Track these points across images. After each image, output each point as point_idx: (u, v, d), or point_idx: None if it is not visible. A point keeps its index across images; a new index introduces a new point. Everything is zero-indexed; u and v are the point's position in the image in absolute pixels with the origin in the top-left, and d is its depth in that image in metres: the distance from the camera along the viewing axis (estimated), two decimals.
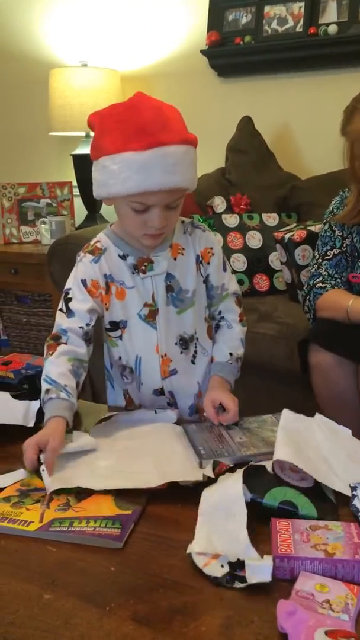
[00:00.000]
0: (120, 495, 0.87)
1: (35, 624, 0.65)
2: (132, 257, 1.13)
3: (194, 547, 0.73)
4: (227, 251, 2.24)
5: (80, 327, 1.09)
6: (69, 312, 1.10)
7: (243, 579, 0.68)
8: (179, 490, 0.87)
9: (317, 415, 1.02)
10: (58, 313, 1.12)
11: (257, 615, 0.65)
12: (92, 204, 2.84)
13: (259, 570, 0.68)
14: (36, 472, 0.93)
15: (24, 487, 0.92)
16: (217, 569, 0.70)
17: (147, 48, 2.82)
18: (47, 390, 1.02)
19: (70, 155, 2.83)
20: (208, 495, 0.83)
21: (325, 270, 1.57)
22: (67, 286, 1.13)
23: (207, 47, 2.59)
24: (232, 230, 2.28)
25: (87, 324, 1.10)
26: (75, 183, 2.86)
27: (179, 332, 1.17)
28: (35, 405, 1.08)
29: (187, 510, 0.84)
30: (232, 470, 0.88)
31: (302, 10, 2.39)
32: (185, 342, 1.18)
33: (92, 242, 1.15)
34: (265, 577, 0.68)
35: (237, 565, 0.70)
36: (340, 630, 0.61)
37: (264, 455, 0.93)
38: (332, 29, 2.33)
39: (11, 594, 0.69)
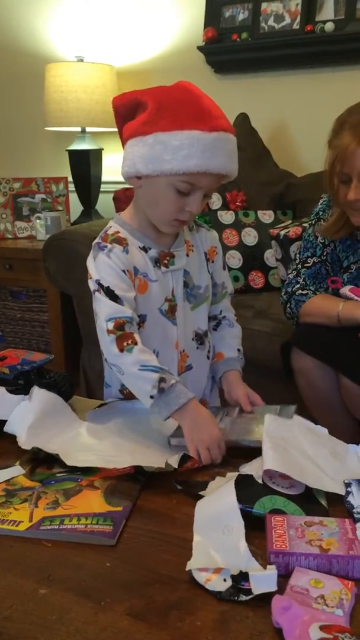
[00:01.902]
0: (109, 491, 0.87)
1: (31, 619, 0.65)
2: (154, 251, 1.13)
3: (193, 564, 0.71)
4: (223, 248, 2.23)
5: (133, 314, 1.07)
6: (118, 300, 1.05)
7: (247, 591, 0.67)
8: (171, 487, 0.88)
9: (296, 417, 1.03)
10: (103, 302, 1.06)
11: (252, 610, 0.65)
12: (88, 200, 2.83)
13: (264, 580, 0.67)
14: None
15: (9, 487, 0.91)
16: (219, 584, 0.68)
17: (143, 43, 2.81)
18: (162, 379, 0.99)
19: (66, 150, 2.82)
20: (202, 507, 0.82)
21: (303, 279, 1.57)
22: (99, 277, 1.07)
23: (203, 43, 2.58)
24: (228, 227, 2.28)
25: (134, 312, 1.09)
26: (70, 179, 2.85)
27: (194, 328, 1.19)
28: None
29: (183, 506, 0.84)
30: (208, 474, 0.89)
31: (299, 7, 2.39)
32: (200, 338, 1.20)
33: (110, 232, 1.12)
34: (271, 586, 0.66)
35: (240, 578, 0.68)
36: (335, 626, 0.61)
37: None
38: (329, 26, 2.33)
39: (6, 589, 0.70)
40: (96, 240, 1.12)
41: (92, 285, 1.09)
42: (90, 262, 1.11)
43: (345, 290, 1.50)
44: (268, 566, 0.69)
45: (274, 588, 0.66)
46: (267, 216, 2.32)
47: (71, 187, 2.86)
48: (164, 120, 1.00)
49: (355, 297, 1.49)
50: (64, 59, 2.93)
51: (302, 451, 0.91)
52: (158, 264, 1.13)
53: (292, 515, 0.78)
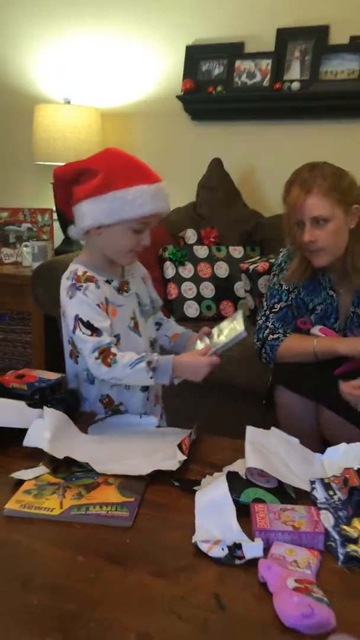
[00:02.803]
0: (122, 486, 1.07)
1: (74, 577, 0.84)
2: (116, 282, 1.41)
3: (197, 537, 0.92)
4: (198, 279, 2.48)
5: (111, 339, 1.31)
6: (98, 331, 1.30)
7: (240, 558, 0.87)
8: (170, 484, 1.08)
9: (273, 429, 1.25)
10: (83, 337, 1.29)
11: (243, 571, 0.86)
12: None
13: (253, 549, 0.88)
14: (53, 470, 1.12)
15: (38, 482, 1.09)
16: (218, 552, 0.88)
17: (127, 88, 3.05)
18: (149, 362, 1.27)
19: (51, 183, 3.00)
20: (200, 496, 1.03)
21: (272, 324, 1.72)
22: (77, 313, 1.30)
23: (182, 93, 2.83)
24: (202, 261, 2.51)
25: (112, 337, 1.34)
26: (55, 209, 3.04)
27: (149, 337, 1.48)
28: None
29: (181, 498, 1.05)
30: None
31: (269, 67, 2.68)
32: (152, 344, 1.49)
33: (80, 274, 1.35)
34: (259, 553, 0.87)
35: (235, 547, 0.89)
36: (305, 579, 0.82)
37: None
38: (295, 85, 2.62)
39: (51, 558, 0.89)
40: (70, 282, 1.34)
41: (70, 321, 1.32)
42: (65, 300, 1.34)
43: (316, 330, 1.67)
44: (255, 539, 0.90)
45: (260, 554, 0.87)
46: (237, 251, 2.56)
47: (54, 216, 3.06)
48: (116, 181, 1.28)
49: (325, 336, 1.65)
50: (52, 99, 3.14)
51: (277, 455, 1.13)
52: (120, 292, 1.41)
53: (270, 503, 1.00)
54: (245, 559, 0.87)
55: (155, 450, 1.21)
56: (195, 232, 2.59)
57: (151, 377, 1.27)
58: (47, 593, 0.81)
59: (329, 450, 1.20)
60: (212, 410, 2.05)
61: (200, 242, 2.57)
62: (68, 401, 1.34)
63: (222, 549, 0.89)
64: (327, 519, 0.97)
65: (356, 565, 0.88)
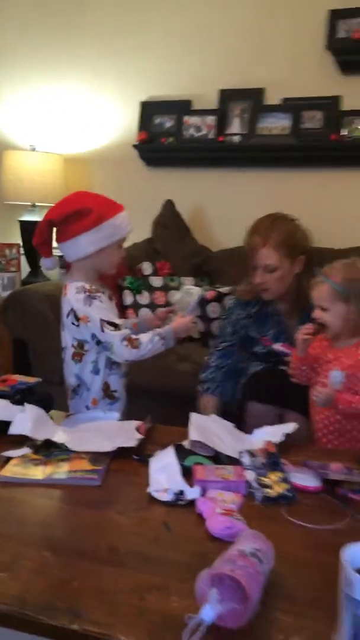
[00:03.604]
0: (92, 459, 1.35)
1: (60, 516, 1.12)
2: (107, 292, 1.76)
3: (151, 488, 1.21)
4: (153, 306, 2.79)
5: (128, 328, 1.73)
6: (119, 326, 1.66)
7: (184, 500, 1.17)
8: (131, 458, 1.38)
9: (212, 415, 1.56)
10: (112, 333, 1.64)
11: (185, 509, 1.15)
12: (34, 262, 3.31)
13: (193, 492, 1.18)
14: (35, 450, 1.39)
15: (23, 459, 1.36)
16: (167, 497, 1.18)
17: (88, 138, 3.39)
18: (160, 336, 1.68)
19: (18, 220, 3.31)
20: (153, 462, 1.33)
21: (214, 361, 2.06)
22: (101, 316, 1.65)
23: (137, 142, 3.20)
24: (158, 290, 2.82)
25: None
26: (21, 244, 3.33)
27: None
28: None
29: (139, 467, 1.34)
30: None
31: (214, 122, 3.07)
32: None
33: (87, 287, 1.67)
34: (197, 495, 1.17)
35: (180, 493, 1.18)
36: (229, 509, 1.12)
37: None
38: (236, 138, 3.01)
39: (41, 505, 1.16)
40: (84, 295, 1.66)
41: (95, 325, 1.65)
42: (85, 309, 1.66)
43: (278, 346, 1.92)
44: (194, 486, 1.20)
45: (198, 496, 1.17)
46: (188, 281, 2.88)
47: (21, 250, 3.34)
48: (105, 213, 1.65)
49: (286, 351, 1.87)
50: (19, 146, 3.45)
51: (215, 433, 1.44)
52: (111, 299, 1.76)
53: (208, 465, 1.30)
54: (186, 500, 1.16)
55: (117, 435, 1.50)
56: (151, 264, 2.91)
57: (162, 345, 1.69)
58: (39, 527, 1.09)
59: (256, 431, 1.51)
60: (170, 418, 2.35)
61: (155, 273, 2.89)
62: (43, 401, 1.61)
63: (170, 495, 1.18)
64: (250, 475, 1.27)
65: (269, 503, 1.18)
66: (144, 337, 1.67)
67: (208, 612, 0.78)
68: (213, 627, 0.79)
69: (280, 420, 1.88)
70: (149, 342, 1.67)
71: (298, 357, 1.73)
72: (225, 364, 2.06)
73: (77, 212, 1.64)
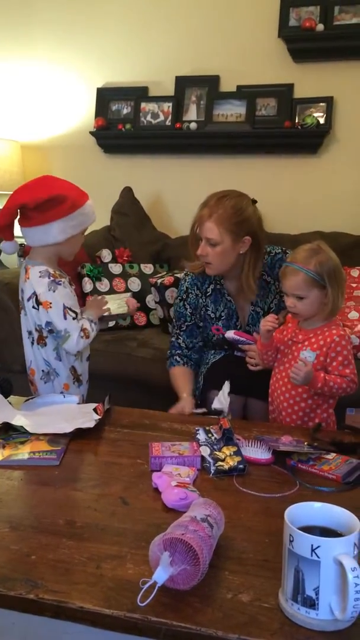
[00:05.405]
0: (51, 440, 1.37)
1: (20, 493, 1.14)
2: (67, 278, 1.77)
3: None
4: (113, 293, 2.80)
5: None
6: (78, 314, 1.70)
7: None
8: (89, 439, 1.40)
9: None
10: (73, 322, 1.68)
11: (141, 483, 1.19)
12: None
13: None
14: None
15: None
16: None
17: (45, 125, 3.37)
18: (94, 321, 1.77)
19: None
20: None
21: (182, 341, 2.03)
22: (64, 302, 1.68)
23: (94, 129, 3.20)
24: (117, 277, 2.84)
25: None
26: None
27: None
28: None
29: (96, 447, 1.37)
30: None
31: (170, 109, 3.09)
32: None
33: (51, 272, 1.69)
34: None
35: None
36: (184, 482, 1.16)
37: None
38: (193, 125, 3.04)
39: (8, 485, 1.18)
40: (48, 279, 1.67)
41: (57, 311, 1.66)
42: (48, 294, 1.67)
43: (230, 334, 1.91)
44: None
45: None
46: (147, 268, 2.91)
47: None
48: (77, 201, 1.66)
49: (241, 339, 1.88)
50: None
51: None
52: (71, 284, 1.76)
53: (165, 442, 1.34)
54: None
55: (76, 417, 1.52)
56: (110, 251, 2.92)
57: (95, 325, 1.77)
58: (1, 505, 1.11)
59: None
60: (131, 403, 2.37)
61: (114, 260, 2.91)
62: (2, 387, 1.62)
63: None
64: (205, 450, 1.31)
65: (222, 476, 1.23)
66: (87, 325, 1.72)
67: (160, 574, 0.82)
68: (165, 588, 0.83)
69: (245, 408, 1.94)
70: (92, 330, 1.73)
71: (263, 344, 1.75)
72: (193, 344, 2.05)
73: (53, 199, 1.63)
